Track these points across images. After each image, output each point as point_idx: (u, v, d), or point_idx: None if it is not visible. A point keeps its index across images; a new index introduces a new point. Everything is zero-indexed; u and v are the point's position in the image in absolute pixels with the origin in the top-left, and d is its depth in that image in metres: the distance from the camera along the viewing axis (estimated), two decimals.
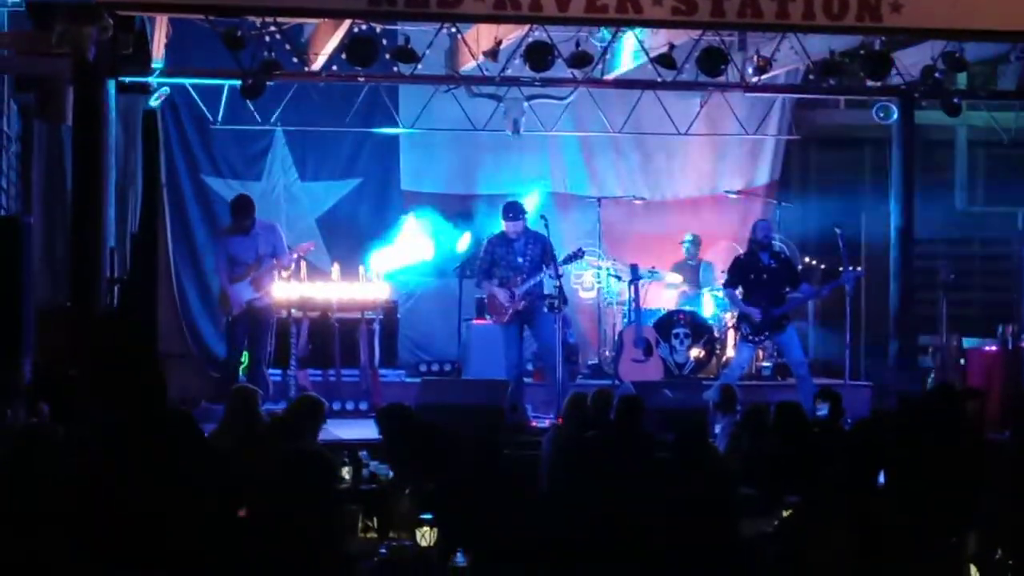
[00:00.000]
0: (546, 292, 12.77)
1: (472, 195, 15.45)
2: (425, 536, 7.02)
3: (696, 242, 15.38)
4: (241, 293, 12.87)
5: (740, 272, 12.99)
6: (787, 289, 12.94)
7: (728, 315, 14.80)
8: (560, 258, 12.75)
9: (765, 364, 14.70)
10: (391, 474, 8.81)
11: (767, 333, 12.88)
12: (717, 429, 10.69)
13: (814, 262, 15.21)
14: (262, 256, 12.89)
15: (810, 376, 12.91)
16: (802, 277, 13.38)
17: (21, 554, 5.76)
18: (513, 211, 12.77)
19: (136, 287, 12.57)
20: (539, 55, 11.60)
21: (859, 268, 14.13)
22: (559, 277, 12.51)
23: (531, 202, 13.91)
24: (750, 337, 12.92)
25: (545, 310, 12.70)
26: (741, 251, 13.61)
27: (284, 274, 13.23)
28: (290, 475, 6.47)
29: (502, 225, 12.85)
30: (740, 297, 12.97)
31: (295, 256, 13.18)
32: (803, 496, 7.67)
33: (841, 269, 13.56)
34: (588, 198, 15.46)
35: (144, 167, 14.35)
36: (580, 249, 13.30)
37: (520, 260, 12.65)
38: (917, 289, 13.98)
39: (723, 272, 13.86)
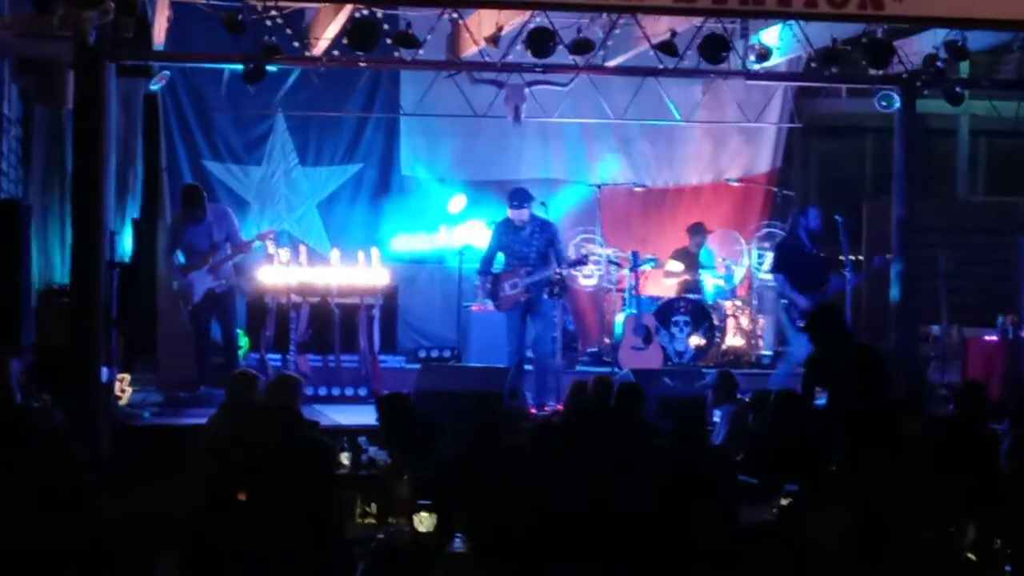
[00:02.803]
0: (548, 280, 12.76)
1: (472, 181, 15.42)
2: (423, 521, 7.02)
3: (701, 230, 15.32)
4: (201, 281, 12.87)
5: (786, 257, 12.81)
6: (829, 275, 12.80)
7: (728, 303, 14.78)
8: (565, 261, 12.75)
9: (766, 352, 14.66)
10: (390, 460, 8.81)
11: None
12: (716, 417, 10.66)
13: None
14: (218, 243, 12.88)
15: None
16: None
17: None
18: (518, 199, 12.64)
19: (136, 272, 12.55)
20: (540, 41, 11.55)
21: (888, 255, 13.80)
22: (565, 267, 12.55)
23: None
24: (798, 323, 12.51)
25: (546, 297, 12.67)
26: (781, 234, 13.24)
27: (283, 259, 13.24)
28: (289, 461, 6.49)
29: (507, 212, 12.79)
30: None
31: (256, 243, 13.16)
32: (802, 483, 7.68)
33: (850, 258, 13.35)
34: (588, 185, 15.43)
35: (145, 151, 14.35)
36: (584, 256, 13.33)
37: (526, 250, 12.56)
38: (918, 278, 13.94)
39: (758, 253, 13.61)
